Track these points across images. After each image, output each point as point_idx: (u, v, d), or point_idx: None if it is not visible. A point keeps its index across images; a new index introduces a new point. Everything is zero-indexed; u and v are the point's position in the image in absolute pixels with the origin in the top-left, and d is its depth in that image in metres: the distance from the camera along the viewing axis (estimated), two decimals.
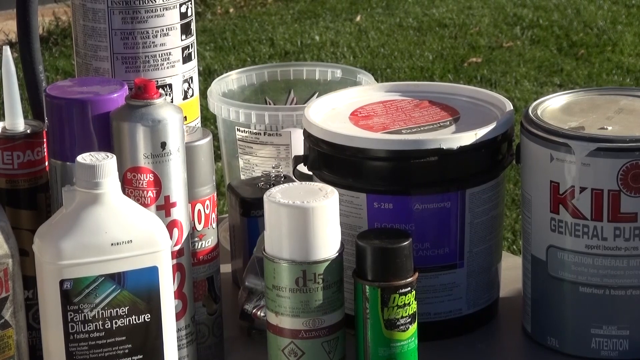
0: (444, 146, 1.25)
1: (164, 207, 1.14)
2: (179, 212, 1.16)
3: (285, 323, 1.18)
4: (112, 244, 1.08)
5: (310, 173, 1.33)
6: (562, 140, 1.23)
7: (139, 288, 1.09)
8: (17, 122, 1.22)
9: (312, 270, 1.16)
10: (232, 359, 1.28)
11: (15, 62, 1.22)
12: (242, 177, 1.51)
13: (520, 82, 4.32)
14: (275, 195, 1.19)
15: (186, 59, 1.32)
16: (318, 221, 1.16)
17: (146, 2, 1.27)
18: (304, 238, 1.16)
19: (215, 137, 1.40)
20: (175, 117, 1.14)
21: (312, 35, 4.96)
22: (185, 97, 1.33)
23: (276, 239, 1.18)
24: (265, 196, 1.20)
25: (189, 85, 1.33)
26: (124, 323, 1.09)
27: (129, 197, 1.12)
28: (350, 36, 4.97)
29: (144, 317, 1.10)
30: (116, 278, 1.08)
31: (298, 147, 1.43)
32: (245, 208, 1.39)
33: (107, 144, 1.14)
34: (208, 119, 1.67)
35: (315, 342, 1.18)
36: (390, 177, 1.27)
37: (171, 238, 1.12)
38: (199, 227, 1.22)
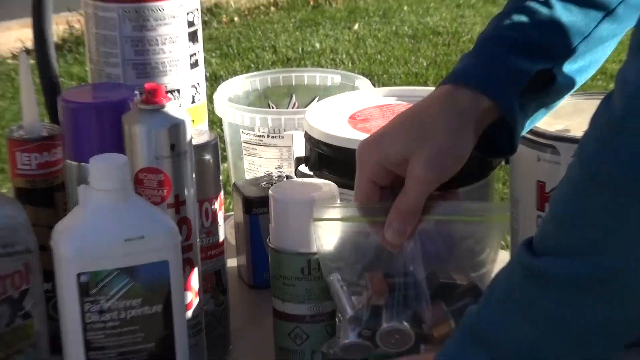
0: None
1: (174, 205, 1.15)
2: (188, 210, 1.17)
3: (291, 309, 1.19)
4: (125, 240, 1.08)
5: (311, 173, 1.34)
6: (549, 142, 1.24)
7: (151, 281, 1.10)
8: (35, 125, 1.23)
9: (316, 260, 1.17)
10: (239, 346, 1.29)
11: (31, 68, 1.23)
12: (247, 177, 1.52)
13: None
14: (281, 191, 1.21)
15: (193, 65, 1.32)
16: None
17: (155, 11, 1.28)
18: (308, 230, 1.16)
19: (222, 140, 1.40)
20: (183, 120, 1.14)
21: (312, 42, 4.97)
22: (192, 102, 1.33)
23: (282, 232, 1.19)
24: (270, 191, 1.21)
25: (196, 90, 1.34)
26: (137, 313, 1.10)
27: (141, 195, 1.13)
28: (349, 43, 4.97)
29: (156, 308, 1.10)
30: (129, 271, 1.09)
31: (299, 148, 1.44)
32: (247, 206, 1.40)
33: (119, 146, 1.15)
34: (214, 122, 1.68)
35: (319, 326, 1.19)
36: None
37: (181, 234, 1.13)
38: (207, 224, 1.23)
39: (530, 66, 1.13)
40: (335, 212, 1.15)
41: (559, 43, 1.16)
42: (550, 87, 1.16)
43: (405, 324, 1.12)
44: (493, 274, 1.30)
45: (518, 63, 1.13)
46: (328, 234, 1.14)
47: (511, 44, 1.14)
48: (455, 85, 1.12)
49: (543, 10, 1.16)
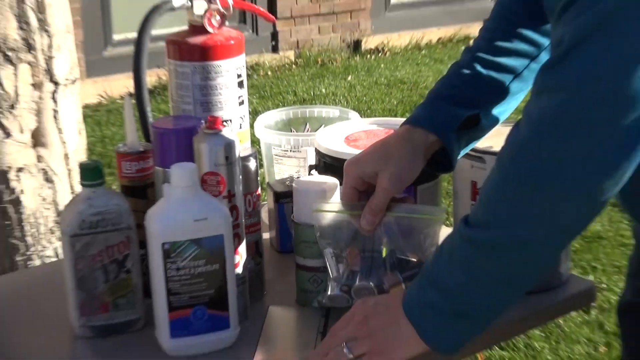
0: None
1: (227, 197, 1.15)
2: (237, 200, 1.16)
3: (310, 263, 1.19)
4: (194, 220, 1.08)
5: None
6: (478, 155, 1.24)
7: (212, 248, 1.09)
8: (134, 143, 1.23)
9: None
10: (270, 291, 1.28)
11: (132, 105, 1.23)
12: (276, 178, 1.51)
13: None
14: (300, 183, 1.21)
15: (240, 103, 1.32)
16: (328, 197, 1.18)
17: (215, 67, 1.27)
18: None
19: (259, 153, 1.40)
20: (234, 140, 1.14)
21: (320, 88, 4.97)
22: (240, 128, 1.33)
23: (303, 211, 1.19)
24: (294, 184, 1.22)
25: (242, 120, 1.33)
26: (202, 270, 1.09)
27: (205, 190, 1.13)
28: (345, 89, 4.97)
29: (215, 266, 1.10)
30: (197, 242, 1.08)
31: (311, 159, 1.44)
32: (276, 197, 1.39)
33: (191, 157, 1.15)
34: (255, 141, 1.68)
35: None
36: None
37: (232, 216, 1.13)
38: (249, 209, 1.23)
39: (462, 113, 1.15)
40: (329, 207, 1.16)
41: (483, 97, 1.17)
42: (477, 126, 1.17)
43: (371, 284, 1.12)
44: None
45: (454, 111, 1.15)
46: (324, 221, 1.15)
47: (450, 99, 1.16)
48: (412, 126, 1.14)
49: (472, 74, 1.17)
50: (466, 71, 1.17)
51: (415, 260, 1.13)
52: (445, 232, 1.25)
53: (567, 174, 0.92)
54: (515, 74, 1.17)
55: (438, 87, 1.18)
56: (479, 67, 1.16)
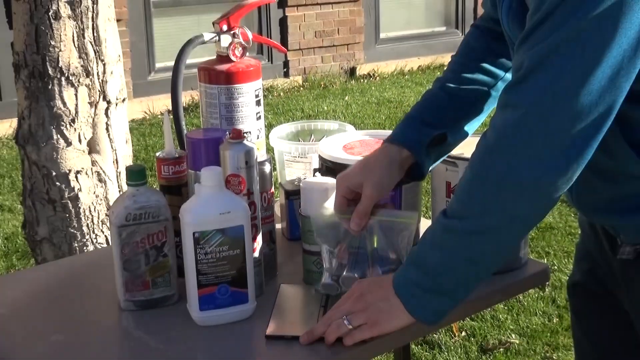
0: None
1: (247, 195, 1.14)
2: (255, 197, 1.15)
3: (314, 248, 1.18)
4: (220, 213, 1.07)
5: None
6: (452, 160, 1.22)
7: (234, 236, 1.08)
8: (171, 150, 1.22)
9: None
10: (282, 271, 1.27)
11: (170, 120, 1.22)
12: (287, 179, 1.50)
13: None
14: (307, 183, 1.20)
15: (258, 118, 1.32)
16: (330, 194, 1.17)
17: (237, 89, 1.27)
18: (322, 205, 1.16)
19: (273, 159, 1.39)
20: (252, 148, 1.14)
21: (322, 106, 4.97)
22: (257, 138, 1.32)
23: (309, 205, 1.18)
24: (301, 184, 1.21)
25: (260, 132, 1.33)
26: (226, 254, 1.08)
27: (229, 189, 1.12)
28: (343, 107, 4.97)
29: (236, 251, 1.09)
30: (222, 231, 1.07)
31: (316, 164, 1.43)
32: (287, 195, 1.38)
33: (217, 162, 1.14)
34: (269, 149, 1.68)
35: None
36: None
37: (250, 210, 1.12)
38: (265, 204, 1.22)
39: (431, 132, 1.15)
40: (325, 212, 1.15)
41: (449, 118, 1.17)
42: (444, 143, 1.17)
43: (356, 275, 1.12)
44: (419, 233, 1.29)
45: (425, 131, 1.14)
46: (321, 223, 1.15)
47: (422, 121, 1.15)
48: (389, 143, 1.15)
49: (440, 100, 1.16)
50: (435, 98, 1.17)
51: (393, 257, 1.12)
52: (425, 224, 1.25)
53: (524, 174, 0.92)
54: (477, 99, 1.17)
55: (412, 111, 1.18)
56: (446, 95, 1.17)
